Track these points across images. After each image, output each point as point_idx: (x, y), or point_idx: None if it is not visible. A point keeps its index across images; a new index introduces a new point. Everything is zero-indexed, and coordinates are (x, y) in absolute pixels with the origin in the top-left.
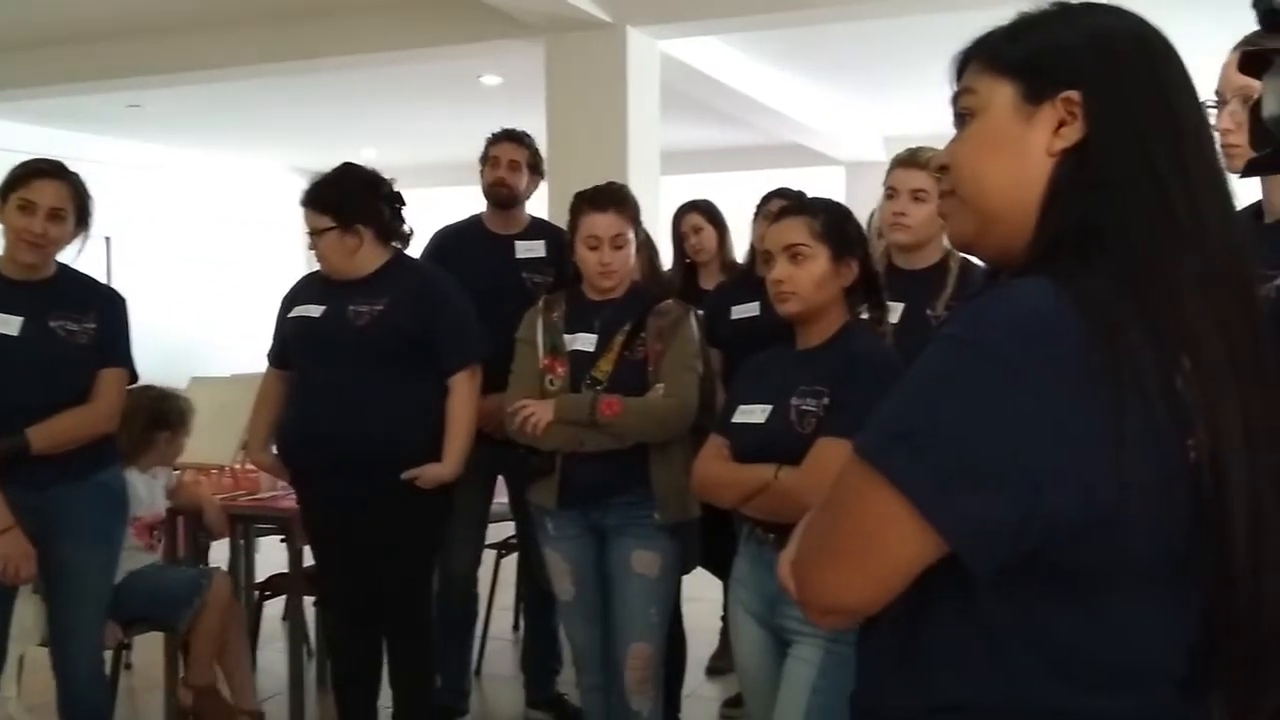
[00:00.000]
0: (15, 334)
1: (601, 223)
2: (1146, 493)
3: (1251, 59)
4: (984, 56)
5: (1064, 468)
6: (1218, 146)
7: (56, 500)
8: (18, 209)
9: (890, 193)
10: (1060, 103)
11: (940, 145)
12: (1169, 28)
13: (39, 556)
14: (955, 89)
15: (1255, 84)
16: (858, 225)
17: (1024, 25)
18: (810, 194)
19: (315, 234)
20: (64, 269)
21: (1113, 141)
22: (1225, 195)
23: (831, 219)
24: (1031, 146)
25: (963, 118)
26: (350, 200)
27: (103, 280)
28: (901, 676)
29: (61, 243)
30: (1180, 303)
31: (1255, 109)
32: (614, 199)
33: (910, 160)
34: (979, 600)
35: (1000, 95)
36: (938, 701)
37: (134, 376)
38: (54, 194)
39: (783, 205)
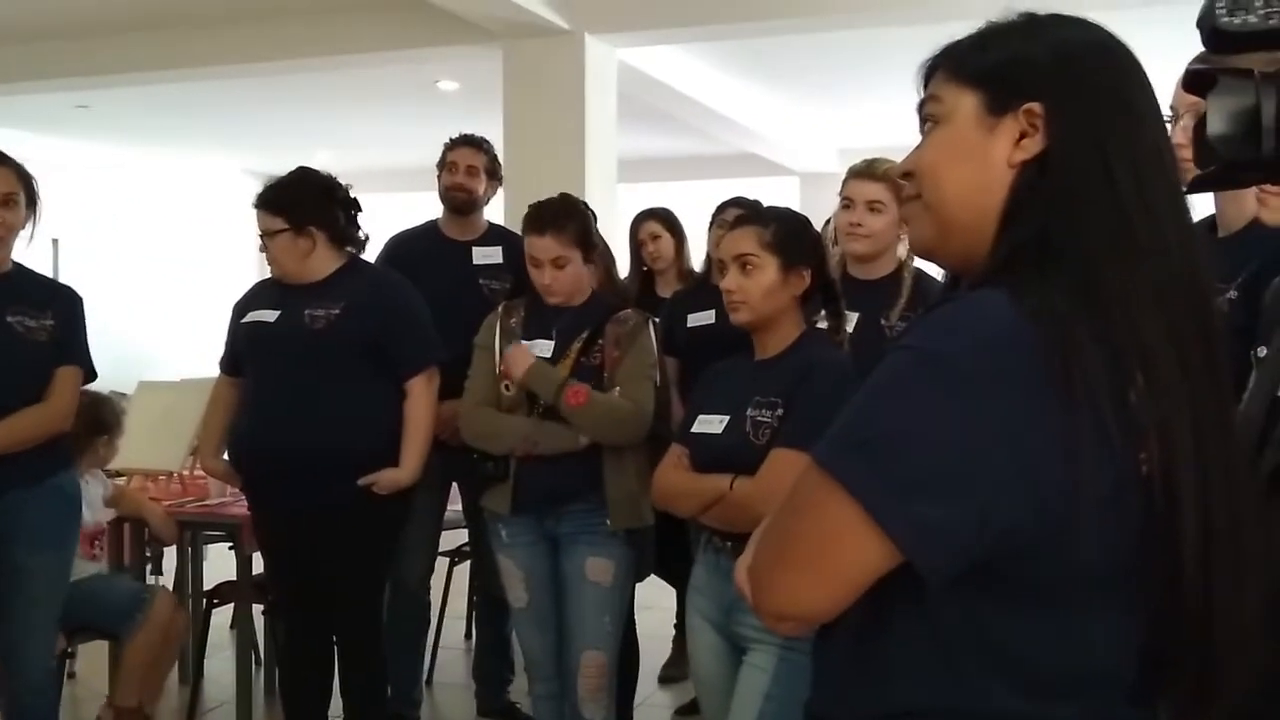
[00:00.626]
0: None
1: (539, 245)
2: (1099, 505)
3: (1196, 78)
4: (950, 65)
5: (1018, 479)
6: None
7: (11, 503)
8: None
9: (846, 203)
10: (1022, 114)
11: (896, 157)
12: (1134, 41)
13: None
14: (921, 95)
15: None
16: (813, 234)
17: (990, 35)
18: (766, 204)
19: (267, 236)
20: (20, 267)
21: (1073, 154)
22: (1184, 209)
23: (783, 228)
24: (993, 156)
25: (927, 124)
26: (304, 203)
27: None
28: (856, 683)
29: (16, 229)
30: (1136, 317)
31: (1200, 127)
32: (553, 222)
33: (866, 172)
34: (932, 607)
35: (964, 104)
36: (891, 707)
37: (92, 374)
38: (3, 180)
39: (738, 214)
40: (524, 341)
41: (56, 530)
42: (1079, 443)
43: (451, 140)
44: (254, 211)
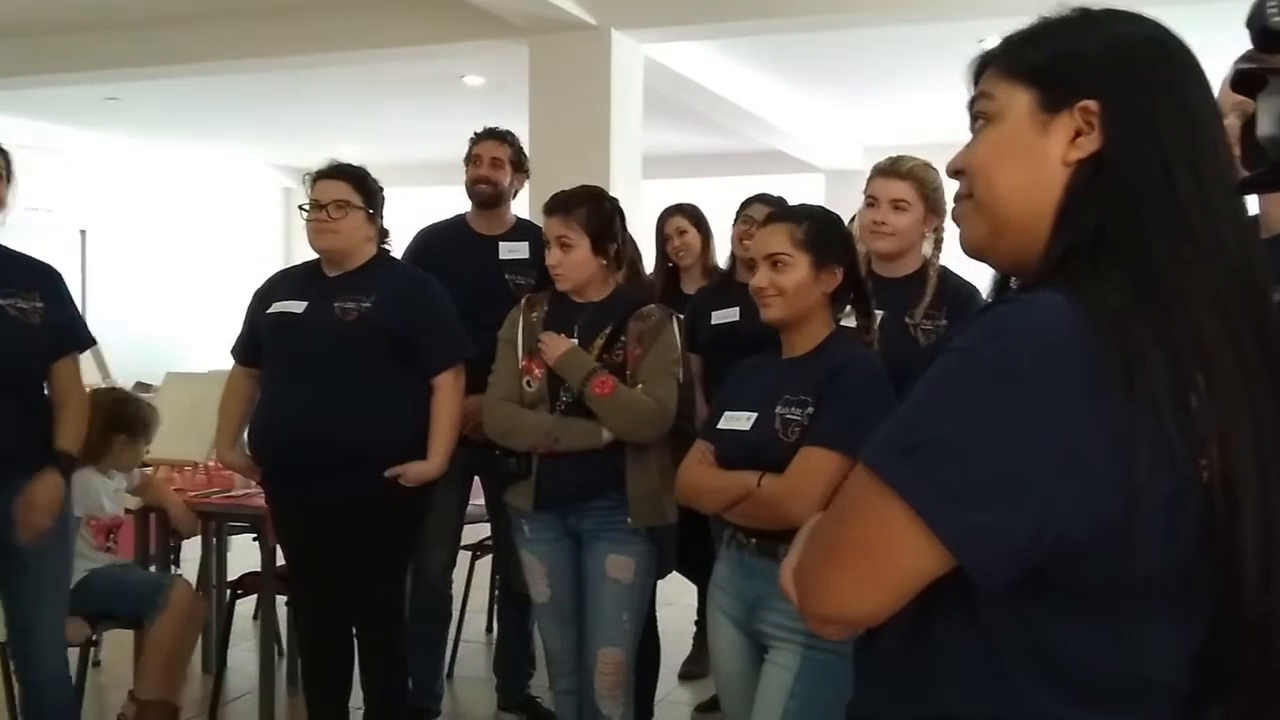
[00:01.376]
0: None
1: (548, 224)
2: (1157, 512)
3: (1245, 77)
4: (1002, 62)
5: (1074, 485)
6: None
7: (13, 492)
8: None
9: (870, 201)
10: (1078, 112)
11: (921, 155)
12: (1188, 37)
13: None
14: (971, 93)
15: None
16: (845, 233)
17: (1044, 31)
18: (791, 201)
19: (338, 207)
20: (2, 248)
21: (1130, 153)
22: (1241, 208)
23: (816, 226)
24: (1047, 155)
25: (978, 122)
26: (374, 190)
27: (78, 274)
28: (900, 687)
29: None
30: (1196, 319)
31: (1249, 127)
32: (564, 204)
33: (891, 170)
34: (982, 613)
35: (1017, 102)
36: (937, 712)
37: (90, 342)
38: None
39: (770, 211)
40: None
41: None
42: (1138, 448)
43: (476, 134)
44: (315, 183)
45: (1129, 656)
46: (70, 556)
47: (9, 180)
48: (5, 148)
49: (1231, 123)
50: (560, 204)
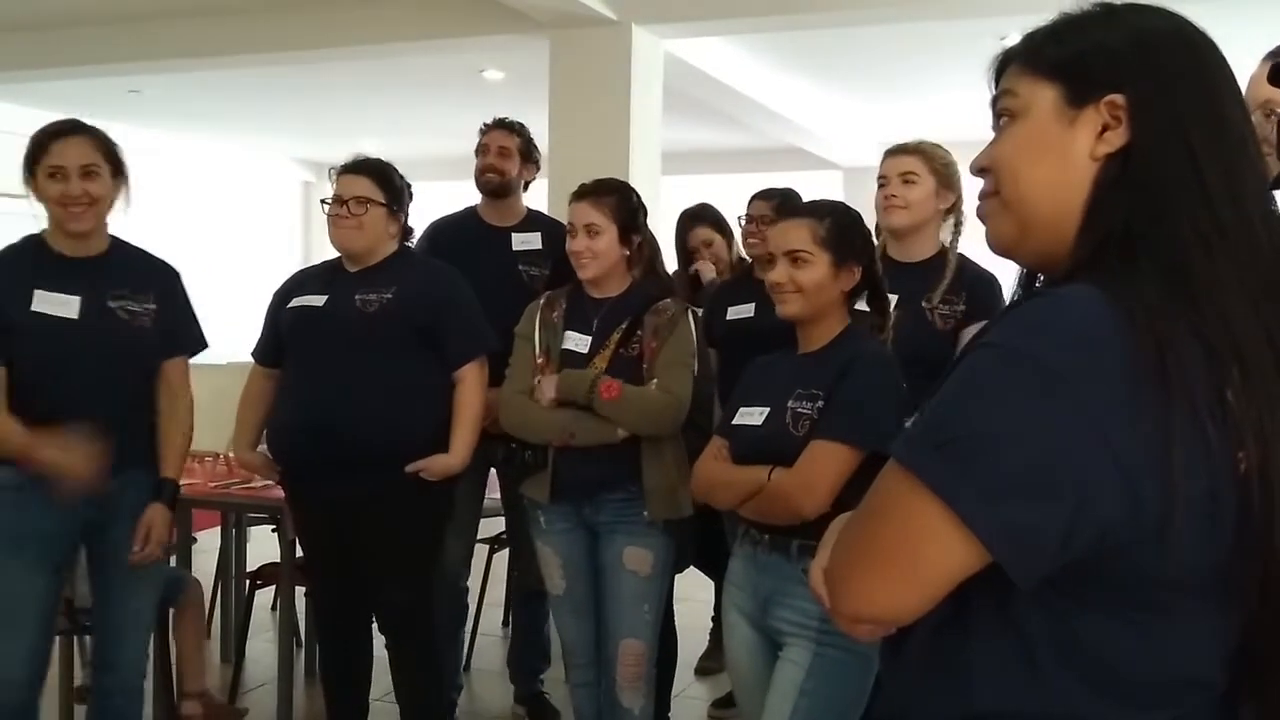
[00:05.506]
0: (75, 316)
1: (576, 210)
2: (1193, 506)
3: None
4: (1025, 57)
5: (1111, 480)
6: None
7: (118, 485)
8: (48, 177)
9: (882, 181)
10: (1104, 106)
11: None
12: (1213, 30)
13: (91, 549)
14: (994, 91)
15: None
16: (864, 230)
17: (1067, 26)
18: (808, 198)
19: (360, 203)
20: (118, 243)
21: (1158, 146)
22: (1270, 201)
23: (837, 224)
24: (1074, 150)
25: (1002, 119)
26: (399, 188)
27: None
28: (933, 686)
29: (103, 201)
30: (1229, 313)
31: None
32: (594, 191)
33: (898, 148)
34: (1016, 610)
35: (1042, 98)
36: (971, 710)
37: (200, 344)
38: (80, 150)
39: (792, 205)
40: (565, 332)
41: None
42: (1175, 443)
43: (485, 125)
44: (340, 177)
45: (1164, 653)
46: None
47: (121, 175)
48: (114, 140)
49: (1257, 120)
50: (591, 190)
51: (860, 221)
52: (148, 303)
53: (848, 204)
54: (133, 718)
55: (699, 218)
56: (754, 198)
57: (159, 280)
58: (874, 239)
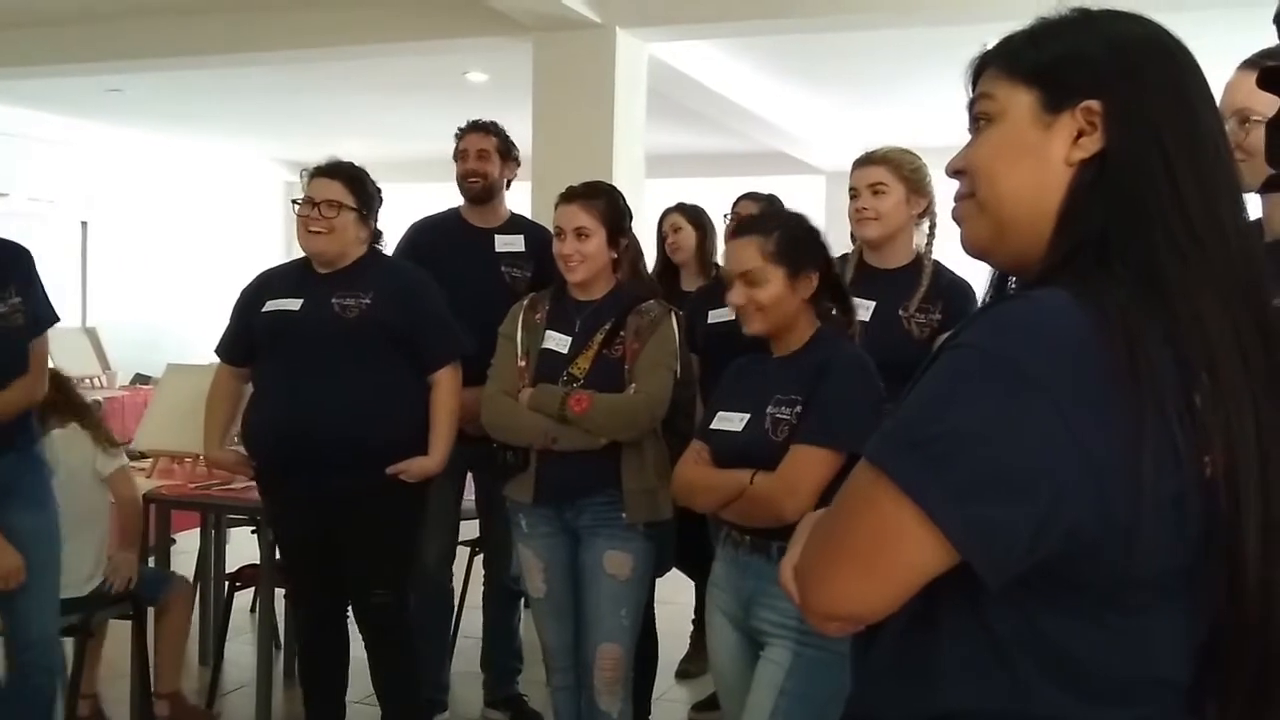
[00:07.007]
0: None
1: (565, 213)
2: (1162, 508)
3: (1273, 75)
4: (1003, 62)
5: (1080, 481)
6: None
7: (5, 470)
8: None
9: (853, 193)
10: (1080, 112)
11: (920, 158)
12: (1188, 38)
13: None
14: (971, 94)
15: (1256, 104)
16: (815, 235)
17: (1044, 32)
18: (790, 202)
19: (330, 206)
20: None
21: (1133, 153)
22: (1243, 208)
23: (786, 236)
24: (1050, 155)
25: (979, 123)
26: (371, 192)
27: (79, 265)
28: (902, 683)
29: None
30: (1200, 317)
31: (1275, 125)
32: (581, 192)
33: (865, 159)
34: (986, 609)
35: (1019, 103)
36: (940, 708)
37: (54, 319)
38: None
39: (738, 223)
40: (546, 331)
41: (41, 492)
42: (1144, 445)
43: (460, 129)
44: (312, 179)
45: (1132, 652)
46: (58, 532)
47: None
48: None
49: (1232, 127)
50: (580, 193)
51: (809, 224)
52: (12, 296)
53: (793, 210)
54: (51, 694)
55: (677, 207)
56: (741, 198)
57: (12, 267)
58: (826, 240)
